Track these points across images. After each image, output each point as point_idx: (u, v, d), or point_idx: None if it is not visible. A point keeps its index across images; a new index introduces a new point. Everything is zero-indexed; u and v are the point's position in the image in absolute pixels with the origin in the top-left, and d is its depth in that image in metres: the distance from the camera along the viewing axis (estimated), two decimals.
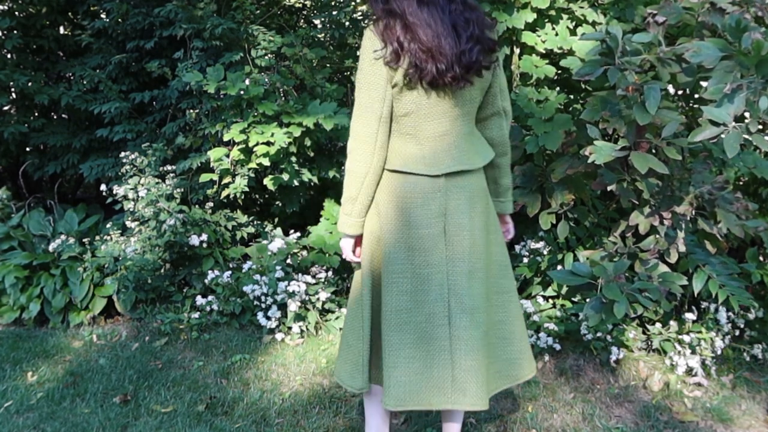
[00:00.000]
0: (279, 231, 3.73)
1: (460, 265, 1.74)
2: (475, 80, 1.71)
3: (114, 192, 3.58)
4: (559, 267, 3.03)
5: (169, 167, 3.62)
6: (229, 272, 3.36)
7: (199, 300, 3.29)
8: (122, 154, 3.69)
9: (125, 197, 3.54)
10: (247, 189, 3.51)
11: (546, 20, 2.99)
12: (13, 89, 4.34)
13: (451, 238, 1.74)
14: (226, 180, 3.57)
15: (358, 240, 1.86)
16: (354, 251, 1.87)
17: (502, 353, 1.87)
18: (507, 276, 1.92)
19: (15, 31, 4.39)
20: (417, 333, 1.75)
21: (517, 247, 3.22)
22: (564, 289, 3.01)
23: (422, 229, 1.73)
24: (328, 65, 4.21)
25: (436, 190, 1.73)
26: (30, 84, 4.22)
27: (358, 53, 2.65)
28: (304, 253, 3.54)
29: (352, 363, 1.86)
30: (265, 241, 3.63)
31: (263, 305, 3.24)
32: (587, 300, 2.31)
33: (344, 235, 1.84)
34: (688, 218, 2.45)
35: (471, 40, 1.66)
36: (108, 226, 3.68)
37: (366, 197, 1.77)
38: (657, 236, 2.48)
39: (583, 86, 3.32)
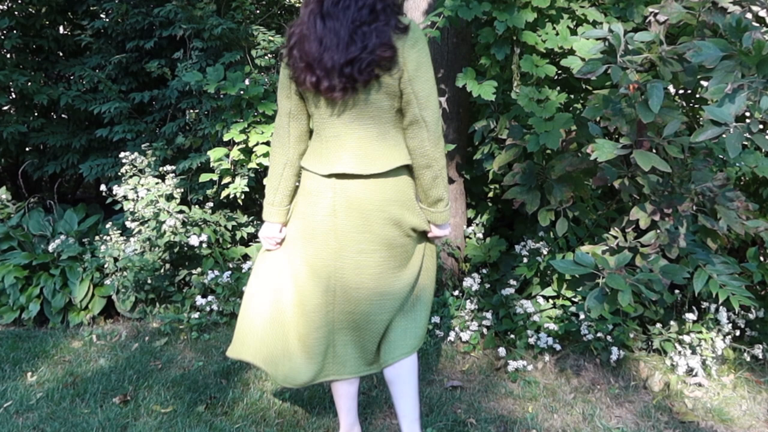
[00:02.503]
0: None
1: (348, 261, 1.85)
2: (362, 89, 1.73)
3: (114, 192, 3.58)
4: None
5: (168, 167, 3.61)
6: (229, 272, 3.35)
7: (199, 300, 3.28)
8: (122, 154, 3.68)
9: (125, 197, 3.54)
10: (247, 189, 3.51)
11: (546, 20, 2.98)
12: (12, 89, 4.34)
13: (341, 236, 1.83)
14: (226, 180, 3.57)
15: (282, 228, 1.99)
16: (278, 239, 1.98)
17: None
18: (386, 305, 1.93)
19: (14, 31, 4.39)
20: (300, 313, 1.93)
21: (517, 247, 3.22)
22: (564, 288, 3.01)
23: (315, 224, 1.85)
24: None
25: (327, 189, 1.82)
26: (29, 84, 4.22)
27: None
28: None
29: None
30: None
31: None
32: (588, 295, 2.31)
33: (267, 222, 1.97)
34: (689, 214, 2.45)
35: (362, 51, 1.69)
36: (108, 226, 3.67)
37: (285, 188, 1.92)
38: (658, 231, 2.48)
39: (583, 86, 3.32)
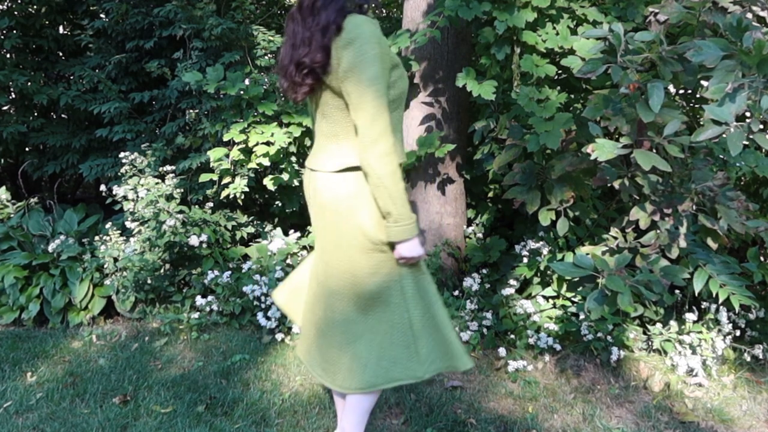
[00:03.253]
0: (279, 231, 3.73)
1: (318, 251, 1.92)
2: (315, 89, 1.76)
3: (114, 192, 3.58)
4: None
5: (168, 167, 3.61)
6: (229, 272, 3.35)
7: (199, 300, 3.28)
8: (122, 154, 3.68)
9: (125, 197, 3.53)
10: (247, 189, 3.50)
11: (547, 19, 2.98)
12: (12, 89, 4.34)
13: (312, 224, 1.91)
14: (226, 180, 3.56)
15: None
16: None
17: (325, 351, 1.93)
18: (334, 301, 1.87)
19: (14, 31, 4.38)
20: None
21: (517, 247, 3.22)
22: (564, 288, 3.01)
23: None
24: None
25: (305, 178, 1.92)
26: (29, 84, 4.22)
27: None
28: (304, 253, 3.54)
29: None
30: (265, 241, 3.62)
31: (263, 305, 3.23)
32: (588, 296, 2.31)
33: None
34: (689, 214, 2.45)
35: (306, 55, 1.70)
36: (108, 226, 3.67)
37: None
38: (658, 231, 2.48)
39: (583, 85, 3.32)
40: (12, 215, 3.82)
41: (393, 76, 1.73)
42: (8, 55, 4.51)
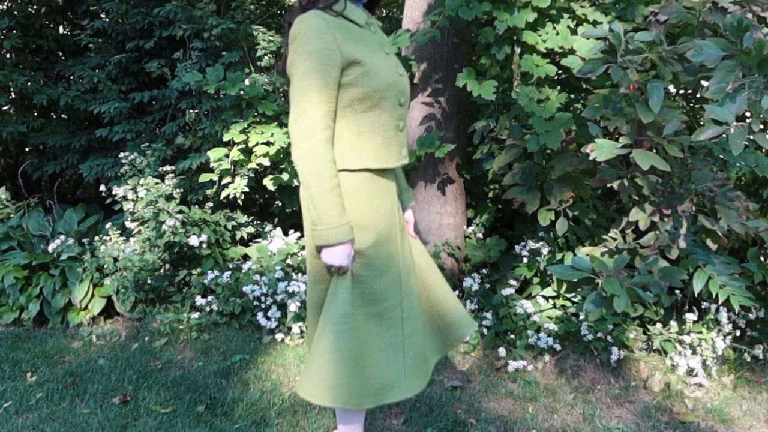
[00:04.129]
0: (279, 231, 3.73)
1: None
2: None
3: (113, 192, 3.58)
4: None
5: (168, 167, 3.61)
6: (229, 272, 3.35)
7: (199, 300, 3.28)
8: (121, 154, 3.68)
9: (125, 197, 3.53)
10: (247, 189, 3.50)
11: (547, 19, 2.98)
12: (12, 89, 4.34)
13: None
14: (226, 180, 3.56)
15: None
16: None
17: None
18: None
19: (14, 31, 4.39)
20: None
21: (517, 248, 3.22)
22: (564, 288, 3.01)
23: None
24: None
25: None
26: (29, 84, 4.22)
27: None
28: (304, 253, 3.54)
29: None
30: (265, 241, 3.62)
31: (263, 305, 3.23)
32: (586, 298, 2.31)
33: None
34: (689, 214, 2.45)
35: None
36: (107, 226, 3.67)
37: None
38: (657, 232, 2.48)
39: (583, 85, 3.32)
40: (12, 215, 3.82)
41: (351, 74, 1.62)
42: (8, 55, 4.51)
